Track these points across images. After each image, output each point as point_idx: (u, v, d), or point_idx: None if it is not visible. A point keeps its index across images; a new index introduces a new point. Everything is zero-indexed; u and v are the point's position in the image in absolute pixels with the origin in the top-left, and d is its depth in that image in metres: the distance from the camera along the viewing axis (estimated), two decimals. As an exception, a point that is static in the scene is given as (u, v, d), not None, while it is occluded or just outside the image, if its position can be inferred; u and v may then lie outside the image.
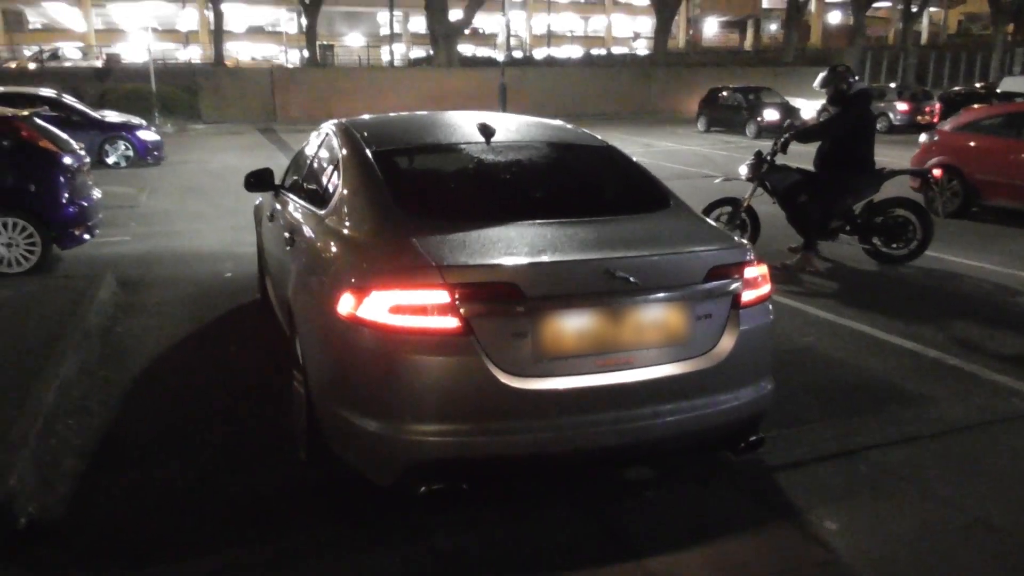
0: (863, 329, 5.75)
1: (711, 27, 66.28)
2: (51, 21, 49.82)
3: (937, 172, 8.41)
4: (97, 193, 8.25)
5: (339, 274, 3.13)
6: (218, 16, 36.10)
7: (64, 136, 8.07)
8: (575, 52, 52.35)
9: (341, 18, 52.60)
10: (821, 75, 7.66)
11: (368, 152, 3.67)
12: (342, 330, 2.95)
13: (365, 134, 3.91)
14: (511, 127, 4.13)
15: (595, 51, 51.46)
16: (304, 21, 38.93)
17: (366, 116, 4.79)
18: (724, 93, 25.28)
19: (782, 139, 7.64)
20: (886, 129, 23.62)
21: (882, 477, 3.52)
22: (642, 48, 54.71)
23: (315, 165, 4.38)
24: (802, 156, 7.97)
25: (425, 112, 4.91)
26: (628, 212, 3.48)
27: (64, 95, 16.17)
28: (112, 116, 16.16)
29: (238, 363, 5.17)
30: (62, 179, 7.37)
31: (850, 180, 7.41)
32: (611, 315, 2.93)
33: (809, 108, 23.47)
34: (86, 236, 7.62)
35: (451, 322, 2.77)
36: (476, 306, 2.78)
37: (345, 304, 2.92)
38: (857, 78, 7.63)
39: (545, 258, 2.90)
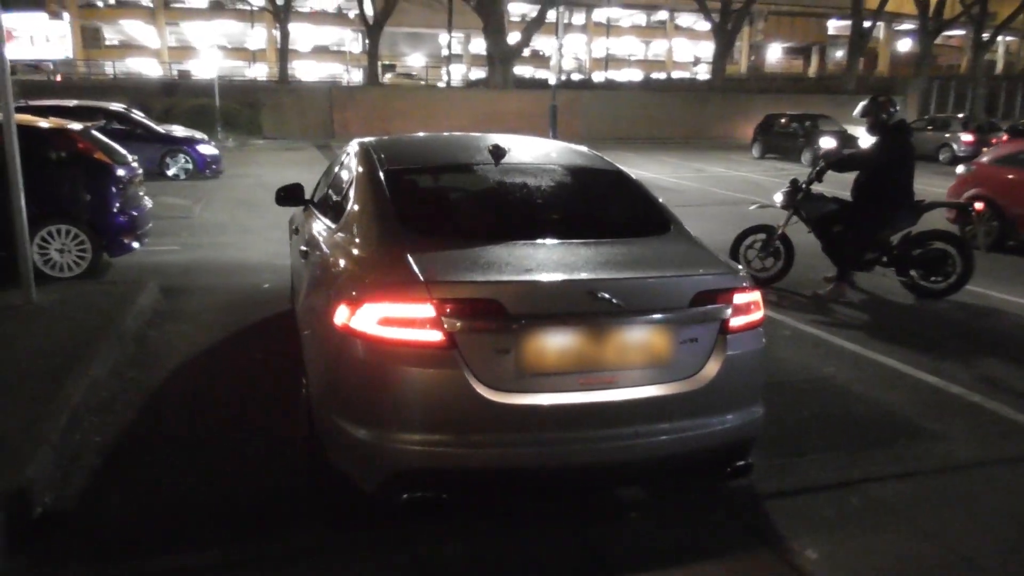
0: (887, 362, 5.66)
1: (775, 53, 65.65)
2: (127, 38, 52.01)
3: (979, 205, 8.22)
4: (148, 203, 8.62)
5: (338, 286, 3.26)
6: (284, 36, 37.22)
7: (118, 148, 8.46)
8: (635, 76, 52.44)
9: (404, 39, 53.65)
10: (861, 104, 7.62)
11: (380, 171, 3.81)
12: (337, 340, 3.07)
13: (382, 154, 4.04)
14: (524, 150, 4.23)
15: (655, 75, 51.49)
16: (367, 41, 39.88)
17: (389, 136, 4.95)
18: (781, 120, 25.02)
19: (817, 168, 7.59)
20: (948, 160, 23.08)
21: (873, 511, 3.49)
22: (703, 73, 54.47)
23: (336, 182, 4.55)
24: (844, 184, 7.86)
25: (448, 133, 5.05)
26: (625, 235, 3.54)
27: (131, 109, 16.89)
28: (174, 130, 16.80)
29: (260, 371, 5.34)
30: (114, 189, 7.72)
31: (887, 211, 7.30)
32: (593, 335, 2.99)
33: (868, 137, 23.02)
34: (135, 244, 7.97)
35: (435, 336, 2.87)
36: (460, 321, 2.87)
37: (340, 315, 3.04)
38: (898, 108, 7.54)
39: (529, 277, 2.98)
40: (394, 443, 2.93)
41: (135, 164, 8.47)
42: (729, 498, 3.57)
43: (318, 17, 53.12)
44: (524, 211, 3.70)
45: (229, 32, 50.80)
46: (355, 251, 3.43)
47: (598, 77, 46.40)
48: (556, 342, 2.96)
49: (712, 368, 3.12)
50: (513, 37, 31.24)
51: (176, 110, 23.67)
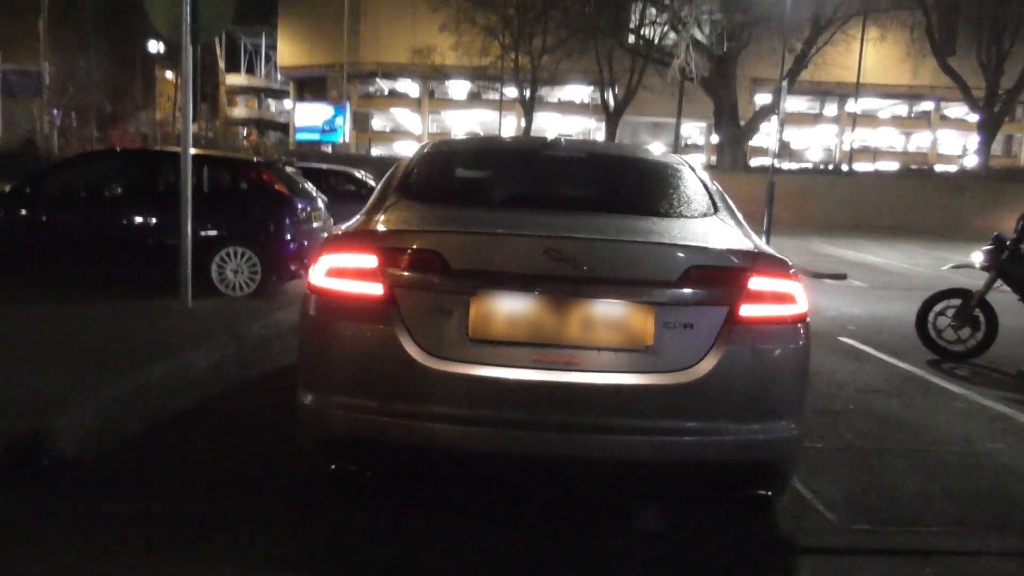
0: (1083, 447, 4.42)
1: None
2: (396, 125, 57.66)
3: None
4: (324, 236, 9.15)
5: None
6: (528, 124, 39.30)
7: (304, 184, 9.13)
8: (892, 167, 48.88)
9: (645, 127, 54.36)
10: None
11: (420, 152, 3.65)
12: (304, 300, 2.89)
13: (443, 145, 3.88)
14: (591, 145, 3.86)
15: (915, 167, 47.64)
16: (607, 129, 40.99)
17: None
18: (1055, 209, 21.73)
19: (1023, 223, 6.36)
20: None
21: (945, 584, 2.58)
22: (970, 166, 49.50)
23: None
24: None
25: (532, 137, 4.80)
26: (645, 214, 3.02)
27: (367, 175, 18.69)
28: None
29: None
30: (288, 220, 8.27)
31: None
32: (550, 304, 2.53)
33: None
34: (302, 272, 8.44)
35: (375, 288, 2.59)
36: (399, 274, 2.57)
37: (309, 272, 2.87)
38: None
39: (477, 229, 2.61)
40: (325, 407, 2.66)
41: (318, 201, 9.08)
42: (753, 545, 2.83)
43: (564, 107, 55.54)
44: (538, 185, 3.33)
45: (483, 120, 54.53)
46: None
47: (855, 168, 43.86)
48: (505, 307, 2.54)
49: (710, 362, 2.51)
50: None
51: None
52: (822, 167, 46.05)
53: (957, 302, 6.72)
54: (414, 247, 2.58)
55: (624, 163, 3.57)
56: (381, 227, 2.72)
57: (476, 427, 2.51)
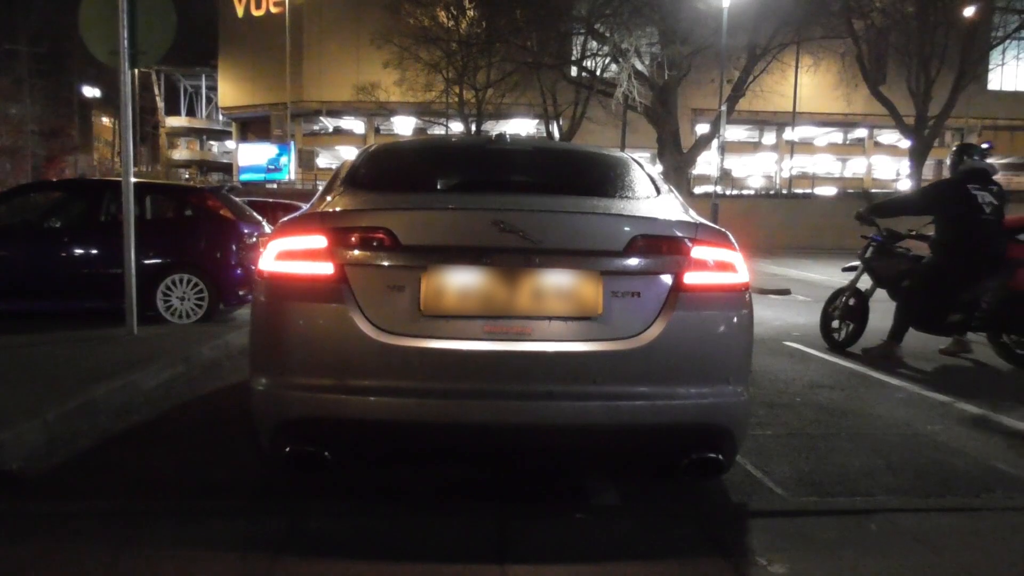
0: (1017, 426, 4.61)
1: (992, 170, 60.51)
2: (342, 162, 57.54)
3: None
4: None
5: None
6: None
7: (250, 211, 9.07)
8: (830, 192, 50.48)
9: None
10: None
11: (365, 150, 3.70)
12: (254, 286, 2.91)
13: (388, 145, 3.94)
14: (537, 141, 3.95)
15: (852, 191, 49.24)
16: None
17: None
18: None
19: (859, 210, 6.98)
20: None
21: (890, 536, 2.67)
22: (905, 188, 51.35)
23: None
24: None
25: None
26: (589, 194, 3.09)
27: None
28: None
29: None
30: (234, 246, 8.20)
31: (961, 267, 6.29)
32: (501, 275, 2.58)
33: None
34: (250, 297, 8.34)
35: (326, 268, 2.62)
36: (351, 253, 2.60)
37: (259, 258, 2.88)
38: (976, 157, 6.52)
39: (428, 206, 2.66)
40: (280, 389, 2.66)
41: (264, 226, 9.03)
42: (708, 513, 2.89)
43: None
44: (486, 172, 3.38)
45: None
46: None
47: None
48: (456, 280, 2.59)
49: (657, 329, 2.58)
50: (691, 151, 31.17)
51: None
52: (764, 193, 47.31)
53: (849, 298, 7.18)
54: (364, 225, 2.62)
55: (569, 155, 3.66)
56: (330, 209, 2.75)
57: (432, 399, 2.53)
